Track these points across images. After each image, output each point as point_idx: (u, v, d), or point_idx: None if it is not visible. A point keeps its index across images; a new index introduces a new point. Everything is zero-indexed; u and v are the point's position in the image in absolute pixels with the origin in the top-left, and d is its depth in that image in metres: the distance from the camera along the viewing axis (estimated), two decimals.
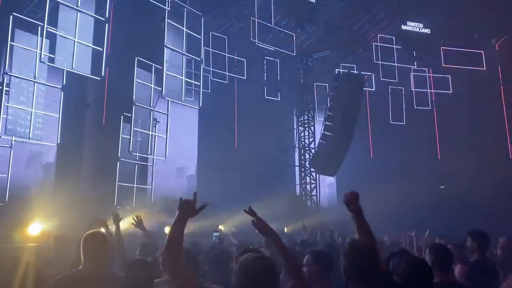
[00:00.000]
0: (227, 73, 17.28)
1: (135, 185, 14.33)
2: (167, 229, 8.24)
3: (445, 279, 3.23)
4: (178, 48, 14.69)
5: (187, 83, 15.22)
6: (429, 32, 18.22)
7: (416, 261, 2.76)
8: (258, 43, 15.59)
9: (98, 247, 2.93)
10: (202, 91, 15.65)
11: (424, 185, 18.11)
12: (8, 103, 11.42)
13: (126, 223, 5.39)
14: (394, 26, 18.38)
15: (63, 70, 12.16)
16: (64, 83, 12.66)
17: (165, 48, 14.20)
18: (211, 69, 16.65)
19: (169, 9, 14.16)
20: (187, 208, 2.45)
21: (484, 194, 16.48)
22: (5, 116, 11.33)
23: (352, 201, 2.55)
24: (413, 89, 19.80)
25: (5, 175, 11.63)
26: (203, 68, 15.83)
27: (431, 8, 17.72)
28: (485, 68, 18.76)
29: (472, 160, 17.57)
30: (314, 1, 15.68)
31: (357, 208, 2.53)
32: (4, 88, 11.40)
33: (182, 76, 14.79)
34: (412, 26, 17.92)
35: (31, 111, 11.85)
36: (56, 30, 11.44)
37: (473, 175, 17.30)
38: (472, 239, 4.31)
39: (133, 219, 4.90)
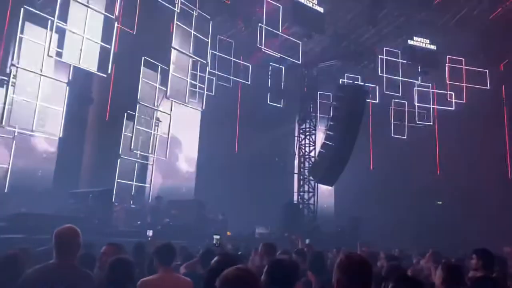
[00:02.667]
0: (231, 77, 17.39)
1: (134, 183, 14.41)
2: (150, 232, 8.04)
3: None
4: (185, 50, 14.80)
5: (192, 85, 15.32)
6: (435, 49, 18.31)
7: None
8: (264, 49, 15.70)
9: (70, 242, 2.97)
10: (206, 93, 15.75)
11: (422, 200, 18.17)
12: (14, 94, 11.52)
13: None
14: (401, 40, 18.49)
15: (70, 65, 12.28)
16: (70, 78, 12.77)
17: (172, 49, 14.31)
18: (216, 72, 16.76)
19: (178, 11, 14.27)
20: None
21: (481, 213, 16.54)
22: (10, 107, 11.43)
23: None
24: (416, 104, 19.85)
25: (6, 166, 11.73)
26: (208, 71, 15.94)
27: (438, 26, 17.83)
28: (488, 87, 18.82)
29: (471, 178, 17.63)
30: (322, 11, 15.80)
31: None
32: (11, 80, 11.51)
33: (187, 78, 14.89)
34: (418, 41, 18.00)
35: (36, 104, 11.96)
36: (65, 25, 11.56)
37: (471, 193, 17.34)
38: (477, 257, 4.35)
39: None
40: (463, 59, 19.16)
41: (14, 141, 11.84)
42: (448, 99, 19.60)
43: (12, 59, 11.89)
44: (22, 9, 11.72)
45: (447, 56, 19.11)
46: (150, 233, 5.30)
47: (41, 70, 12.01)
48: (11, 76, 11.54)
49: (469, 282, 4.20)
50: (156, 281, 3.33)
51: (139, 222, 11.80)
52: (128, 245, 5.48)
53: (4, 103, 11.34)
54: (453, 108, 19.63)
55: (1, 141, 12.11)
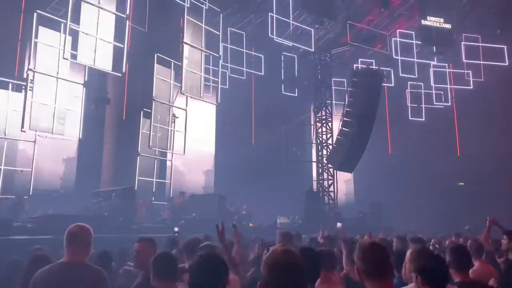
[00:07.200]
0: (245, 69, 17.35)
1: (154, 180, 14.53)
2: (176, 228, 7.85)
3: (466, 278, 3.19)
4: (197, 44, 14.77)
5: (206, 79, 15.30)
6: (450, 27, 17.93)
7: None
8: (276, 39, 15.59)
9: (80, 240, 2.94)
10: (220, 87, 15.72)
11: (443, 182, 17.94)
12: (32, 99, 11.69)
13: None
14: (414, 21, 18.15)
15: (85, 66, 12.39)
16: (85, 79, 12.91)
17: (184, 44, 14.30)
18: (229, 65, 16.73)
19: (188, 5, 14.24)
20: None
21: (506, 192, 16.25)
22: (29, 112, 11.60)
23: None
24: (433, 85, 19.53)
25: (29, 169, 11.94)
26: (221, 64, 15.90)
27: (452, 3, 17.44)
28: (507, 64, 18.39)
29: (492, 158, 17.28)
30: None
31: None
32: (28, 84, 11.67)
33: (200, 73, 14.88)
34: (432, 21, 17.65)
35: (54, 107, 12.12)
36: (78, 27, 11.63)
37: (493, 173, 17.01)
38: (509, 238, 4.24)
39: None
40: (479, 37, 18.72)
41: (36, 145, 12.05)
42: (466, 78, 19.23)
43: (28, 63, 12.06)
44: (35, 13, 11.84)
45: (463, 34, 18.69)
46: (176, 229, 5.29)
47: (57, 73, 12.15)
48: (29, 80, 11.72)
49: (503, 264, 4.10)
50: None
51: (163, 218, 11.94)
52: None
53: (24, 108, 11.52)
54: (471, 87, 19.24)
55: (23, 145, 12.34)
